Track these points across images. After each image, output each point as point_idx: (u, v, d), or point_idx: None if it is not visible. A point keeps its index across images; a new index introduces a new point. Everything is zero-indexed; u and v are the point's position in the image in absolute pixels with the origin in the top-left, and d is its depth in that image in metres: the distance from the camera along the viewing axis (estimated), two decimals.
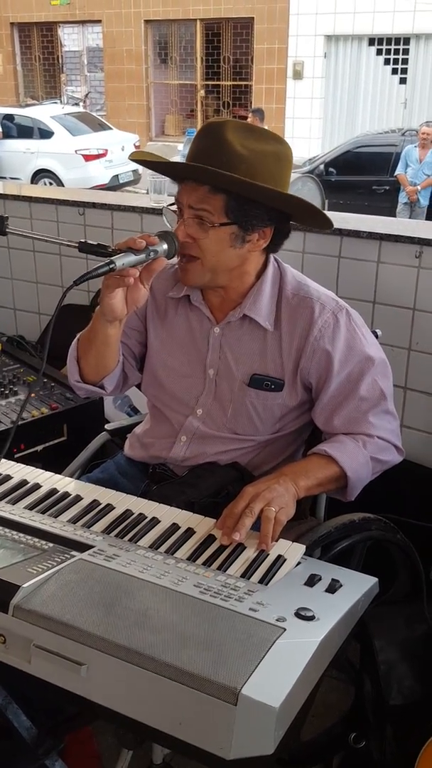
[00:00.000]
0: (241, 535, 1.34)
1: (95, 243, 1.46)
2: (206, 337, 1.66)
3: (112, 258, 1.39)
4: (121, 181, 11.81)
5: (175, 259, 1.58)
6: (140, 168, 12.02)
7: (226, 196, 1.47)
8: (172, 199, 1.59)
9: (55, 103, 15.76)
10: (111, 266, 1.38)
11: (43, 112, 12.57)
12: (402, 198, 8.98)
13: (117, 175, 11.76)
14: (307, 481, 1.49)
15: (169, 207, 1.58)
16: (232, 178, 1.43)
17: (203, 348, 1.66)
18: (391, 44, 14.42)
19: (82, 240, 1.50)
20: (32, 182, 11.82)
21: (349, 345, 1.58)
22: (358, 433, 1.58)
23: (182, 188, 1.52)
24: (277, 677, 1.02)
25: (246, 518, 1.35)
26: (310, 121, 15.12)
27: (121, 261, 1.39)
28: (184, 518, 1.44)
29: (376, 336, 1.91)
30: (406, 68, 14.47)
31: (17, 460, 1.69)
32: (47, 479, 1.58)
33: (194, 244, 1.52)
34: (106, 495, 1.52)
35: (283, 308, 1.61)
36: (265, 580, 1.26)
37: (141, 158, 1.62)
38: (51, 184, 11.70)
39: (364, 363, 1.58)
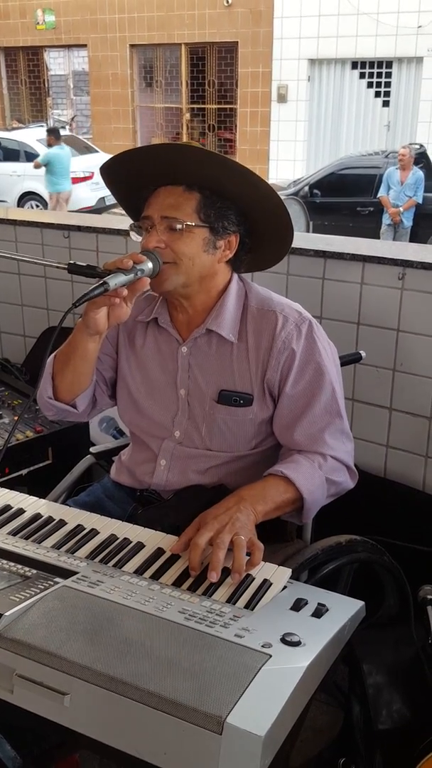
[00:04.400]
0: (218, 573, 1.31)
1: (84, 264, 1.48)
2: (174, 357, 1.67)
3: (104, 279, 1.41)
4: (107, 203, 11.84)
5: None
6: None
7: (200, 195, 1.52)
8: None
9: (42, 126, 15.84)
10: (105, 287, 1.39)
11: (29, 135, 12.64)
12: (386, 219, 9.07)
13: (103, 197, 11.80)
14: (265, 506, 1.49)
15: (134, 224, 1.60)
16: (218, 156, 1.48)
17: (173, 369, 1.67)
18: (374, 68, 14.63)
19: (71, 262, 1.52)
20: (19, 205, 11.86)
21: (308, 354, 1.60)
22: (313, 452, 1.58)
23: (152, 199, 1.55)
24: (263, 705, 1.01)
25: (219, 551, 1.33)
26: (295, 144, 15.27)
27: (113, 281, 1.42)
28: (169, 543, 1.43)
29: (361, 357, 1.92)
30: (389, 91, 14.67)
31: (1, 485, 1.68)
32: (31, 504, 1.57)
33: (167, 249, 1.53)
34: (90, 520, 1.51)
35: (248, 322, 1.63)
36: (251, 605, 1.25)
37: (109, 171, 1.63)
38: (38, 206, 11.74)
39: (323, 378, 1.60)
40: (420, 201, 8.91)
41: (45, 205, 11.67)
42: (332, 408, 1.60)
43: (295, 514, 1.58)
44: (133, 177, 1.59)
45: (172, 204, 1.53)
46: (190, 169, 1.51)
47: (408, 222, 8.97)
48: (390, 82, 14.61)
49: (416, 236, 8.93)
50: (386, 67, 14.53)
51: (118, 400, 1.77)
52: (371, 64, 14.60)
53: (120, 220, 2.98)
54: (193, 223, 1.52)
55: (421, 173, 8.96)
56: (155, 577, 1.32)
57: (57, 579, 1.26)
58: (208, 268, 1.58)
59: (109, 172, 1.64)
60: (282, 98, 15.21)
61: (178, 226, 1.52)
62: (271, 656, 1.10)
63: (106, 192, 11.79)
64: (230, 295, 1.63)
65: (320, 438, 1.59)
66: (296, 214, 9.15)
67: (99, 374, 1.73)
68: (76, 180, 11.69)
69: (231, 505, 1.45)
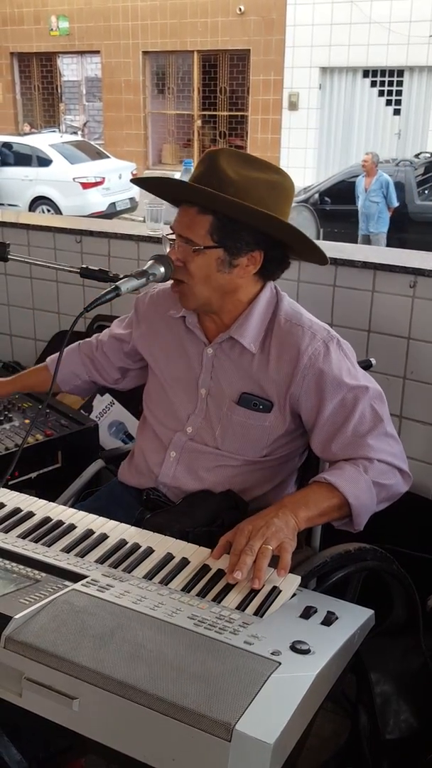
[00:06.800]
0: (243, 573, 1.31)
1: (96, 269, 1.50)
2: (199, 357, 1.69)
3: (116, 284, 1.43)
4: (118, 209, 11.91)
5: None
6: (137, 196, 12.18)
7: (213, 218, 1.52)
8: (168, 228, 1.63)
9: (54, 131, 15.93)
10: (117, 292, 1.41)
11: (41, 141, 12.71)
12: (362, 230, 9.07)
13: (114, 203, 11.86)
14: (308, 511, 1.46)
15: (167, 235, 1.63)
16: (213, 195, 1.48)
17: (197, 368, 1.69)
18: (385, 76, 14.67)
19: (84, 266, 1.54)
20: (30, 209, 11.91)
21: (341, 372, 1.58)
22: (357, 458, 1.55)
23: (177, 214, 1.58)
24: (272, 712, 1.00)
25: (246, 557, 1.33)
26: (305, 151, 15.31)
27: (125, 286, 1.44)
28: (179, 548, 1.43)
29: (371, 365, 1.92)
30: (400, 99, 14.70)
31: (11, 488, 1.68)
32: (41, 507, 1.57)
33: (183, 268, 1.57)
34: (100, 524, 1.51)
35: (274, 333, 1.63)
36: (260, 612, 1.25)
37: (140, 181, 1.68)
38: (49, 211, 11.79)
39: (357, 390, 1.58)
40: (395, 204, 8.94)
41: (57, 209, 11.72)
42: (371, 415, 1.57)
43: (348, 521, 1.55)
44: (159, 194, 1.67)
45: (187, 224, 1.55)
46: (199, 198, 1.53)
47: (379, 229, 8.97)
48: (401, 91, 14.64)
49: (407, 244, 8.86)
50: (398, 76, 14.56)
51: (148, 381, 1.83)
52: (383, 73, 14.63)
53: (132, 225, 3.00)
54: (204, 246, 1.53)
55: (386, 177, 8.95)
56: (165, 582, 1.32)
57: (66, 582, 1.26)
58: (226, 286, 1.59)
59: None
60: (293, 106, 15.25)
61: (193, 247, 1.54)
62: (280, 664, 1.09)
63: (116, 197, 11.92)
64: (259, 305, 1.63)
65: (363, 443, 1.55)
66: (306, 221, 9.15)
67: (118, 358, 1.91)
68: (87, 185, 11.75)
69: (270, 511, 1.43)
